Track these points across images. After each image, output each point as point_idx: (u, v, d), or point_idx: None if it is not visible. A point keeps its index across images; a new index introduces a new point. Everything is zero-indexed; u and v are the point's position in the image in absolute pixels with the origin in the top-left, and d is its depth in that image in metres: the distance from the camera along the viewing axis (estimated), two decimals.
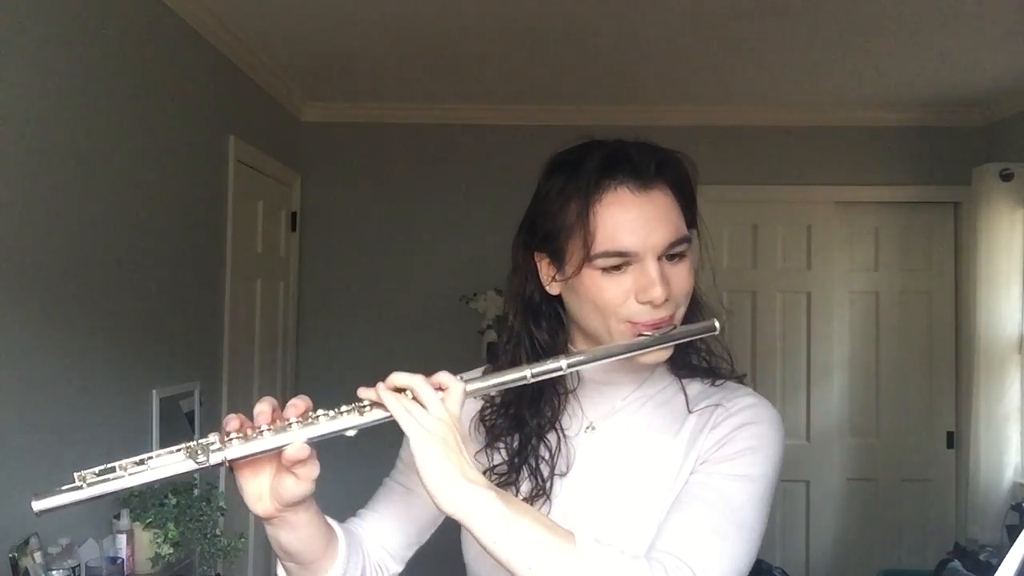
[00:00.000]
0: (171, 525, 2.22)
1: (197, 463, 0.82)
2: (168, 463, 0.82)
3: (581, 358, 0.93)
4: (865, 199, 4.16)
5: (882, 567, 4.02)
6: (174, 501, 2.27)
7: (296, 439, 0.83)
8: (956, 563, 3.45)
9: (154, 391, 2.58)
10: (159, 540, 2.21)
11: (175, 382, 2.74)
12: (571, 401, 1.07)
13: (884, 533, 4.15)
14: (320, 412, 0.85)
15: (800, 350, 4.17)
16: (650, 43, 3.17)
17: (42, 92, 2.01)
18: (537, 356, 1.02)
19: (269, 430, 0.84)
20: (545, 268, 1.03)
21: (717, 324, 0.98)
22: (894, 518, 4.15)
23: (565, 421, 1.06)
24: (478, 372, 1.12)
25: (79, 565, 1.97)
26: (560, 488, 1.03)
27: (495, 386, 0.91)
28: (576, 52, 3.28)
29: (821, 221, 4.16)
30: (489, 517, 0.84)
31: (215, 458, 0.82)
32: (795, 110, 4.03)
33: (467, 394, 0.88)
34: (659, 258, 0.96)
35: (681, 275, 0.98)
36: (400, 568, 1.09)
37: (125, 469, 0.81)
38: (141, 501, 2.25)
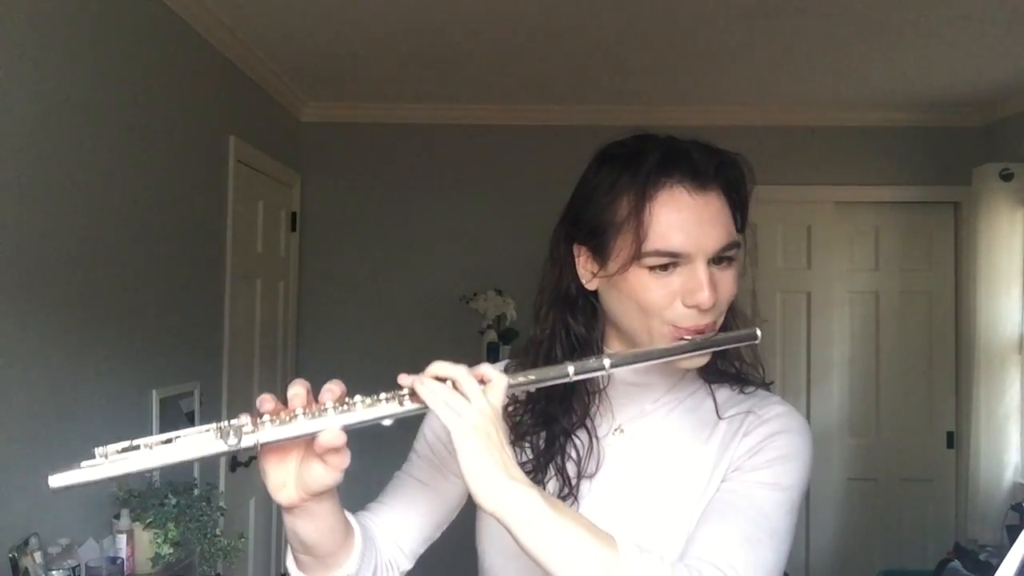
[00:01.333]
0: (171, 525, 2.22)
1: (228, 445, 0.76)
2: (197, 443, 0.76)
3: (624, 357, 0.91)
4: (865, 199, 4.16)
5: (882, 567, 4.02)
6: (174, 501, 2.27)
7: (332, 425, 0.79)
8: (956, 563, 3.45)
9: (154, 391, 2.58)
10: (159, 540, 2.21)
11: (175, 382, 2.74)
12: (601, 402, 1.04)
13: (884, 533, 4.15)
14: (357, 398, 0.81)
15: (800, 350, 4.17)
16: (650, 43, 3.17)
17: (42, 92, 2.01)
18: (572, 350, 1.00)
19: (304, 414, 0.79)
20: (584, 262, 1.00)
21: (759, 332, 0.98)
22: (894, 518, 4.15)
23: (595, 421, 1.04)
24: (501, 366, 1.10)
25: (79, 565, 1.97)
26: (588, 490, 1.01)
27: (536, 382, 0.88)
28: (576, 52, 3.28)
29: (821, 221, 4.16)
30: (531, 517, 0.81)
31: (247, 440, 0.77)
32: (795, 110, 4.03)
33: (510, 388, 0.85)
34: (709, 262, 0.94)
35: (727, 281, 0.97)
36: (411, 565, 1.07)
37: (150, 447, 0.75)
38: (141, 501, 2.25)
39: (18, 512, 1.91)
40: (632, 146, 0.99)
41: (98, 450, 0.76)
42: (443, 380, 0.83)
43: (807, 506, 4.12)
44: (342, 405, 0.80)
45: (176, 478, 2.52)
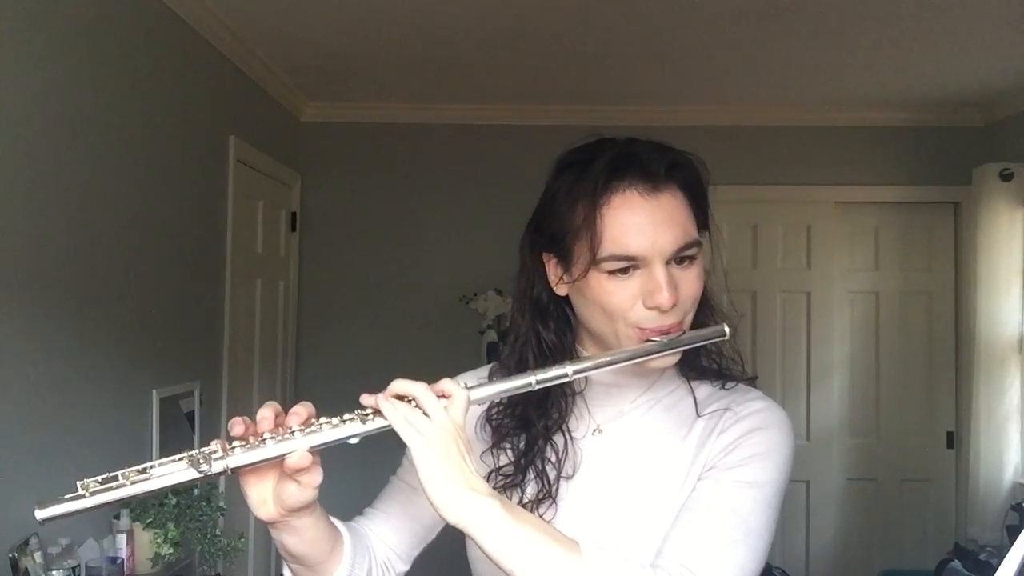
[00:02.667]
0: (171, 525, 2.22)
1: (199, 472, 0.82)
2: (170, 472, 0.82)
3: (587, 364, 0.92)
4: (865, 199, 4.16)
5: (882, 567, 4.02)
6: (174, 501, 2.27)
7: (298, 447, 0.83)
8: (956, 563, 3.45)
9: (154, 391, 2.58)
10: (159, 540, 2.21)
11: (175, 382, 2.74)
12: (578, 403, 1.05)
13: (884, 533, 4.15)
14: (323, 420, 0.85)
15: (800, 350, 4.16)
16: (650, 43, 3.17)
17: (42, 93, 2.01)
18: (544, 357, 1.01)
19: (272, 438, 0.83)
20: (553, 269, 1.01)
21: (727, 329, 0.97)
22: (894, 518, 4.15)
23: (572, 423, 1.04)
24: (484, 372, 1.11)
25: (79, 565, 1.98)
26: (566, 491, 1.02)
27: (499, 394, 0.91)
28: (576, 52, 3.28)
29: (821, 221, 4.16)
30: (492, 526, 0.83)
31: (217, 467, 0.82)
32: (795, 110, 4.03)
33: (471, 402, 0.87)
34: (668, 262, 0.94)
35: (690, 280, 0.96)
36: (406, 567, 1.08)
37: (128, 478, 0.81)
38: (141, 501, 2.25)
39: (18, 512, 1.91)
40: (587, 151, 0.99)
41: (80, 483, 0.80)
42: (404, 398, 0.85)
43: (807, 506, 4.12)
44: (308, 427, 0.84)
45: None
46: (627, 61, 3.38)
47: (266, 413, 0.85)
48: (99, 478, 0.80)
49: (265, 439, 0.83)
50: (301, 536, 0.91)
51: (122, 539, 2.18)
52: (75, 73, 2.16)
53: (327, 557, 0.95)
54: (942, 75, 3.51)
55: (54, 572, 1.87)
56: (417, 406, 0.85)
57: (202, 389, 2.94)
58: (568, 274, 0.98)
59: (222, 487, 3.03)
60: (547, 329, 1.03)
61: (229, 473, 0.83)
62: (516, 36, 3.11)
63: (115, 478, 0.81)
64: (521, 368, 1.01)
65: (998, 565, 0.68)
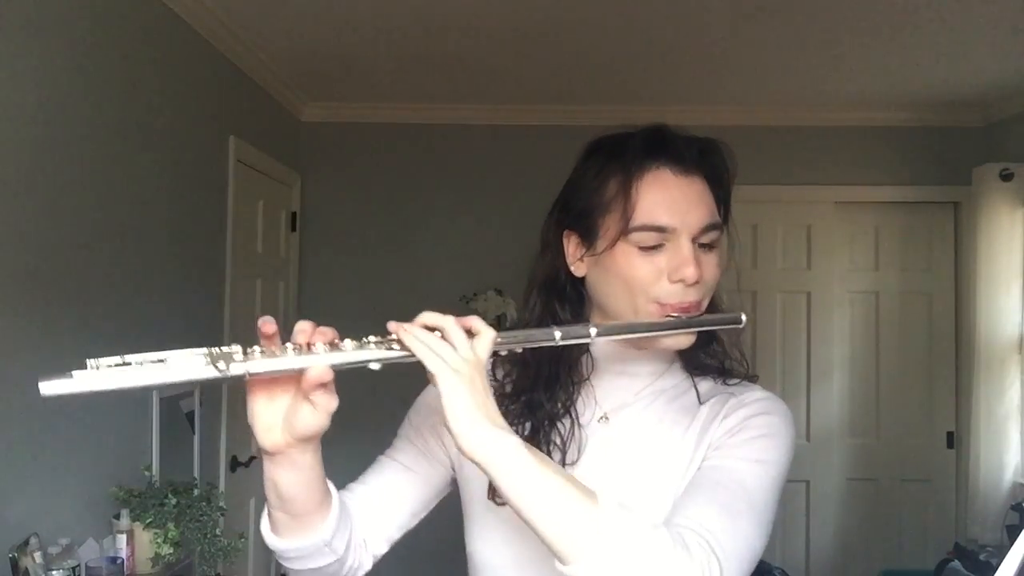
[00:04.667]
0: (171, 525, 2.22)
1: (218, 370, 0.77)
2: (188, 365, 0.77)
3: (610, 327, 0.94)
4: (865, 199, 4.16)
5: (882, 567, 4.02)
6: (174, 501, 2.27)
7: (320, 362, 0.80)
8: (956, 563, 3.45)
9: (154, 391, 2.58)
10: (159, 540, 2.21)
11: None
12: (586, 389, 1.06)
13: (884, 533, 4.15)
14: (347, 341, 0.82)
15: (800, 350, 4.17)
16: (650, 43, 3.17)
17: (41, 93, 2.01)
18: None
19: (294, 349, 0.80)
20: (573, 247, 1.03)
21: (743, 317, 1.00)
22: (894, 518, 4.15)
23: (579, 409, 1.05)
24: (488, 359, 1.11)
25: (79, 565, 1.97)
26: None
27: (524, 342, 0.91)
28: (576, 52, 3.28)
29: (821, 221, 4.16)
30: (513, 462, 0.81)
31: (236, 369, 0.78)
32: (795, 110, 4.03)
33: (496, 344, 0.86)
34: (693, 240, 0.97)
35: (710, 264, 0.99)
36: (385, 549, 1.06)
37: (141, 364, 0.75)
38: (141, 501, 2.25)
39: (18, 512, 1.91)
40: (618, 137, 1.03)
41: (90, 361, 0.75)
42: (432, 329, 0.85)
43: (807, 506, 4.12)
44: (331, 347, 0.81)
45: (176, 478, 2.52)
46: (627, 61, 3.38)
47: (304, 326, 0.82)
48: (111, 360, 0.75)
49: (287, 348, 0.80)
50: (298, 475, 0.88)
51: (122, 539, 2.18)
52: (75, 73, 2.15)
53: (316, 508, 0.92)
54: (942, 75, 3.52)
55: (54, 572, 1.87)
56: (444, 338, 0.84)
57: (202, 389, 2.94)
58: (593, 248, 1.00)
59: (222, 487, 3.03)
60: (563, 309, 1.04)
61: (247, 378, 0.79)
62: (516, 36, 3.11)
63: (128, 363, 0.76)
64: (538, 349, 1.01)
65: (998, 565, 0.68)
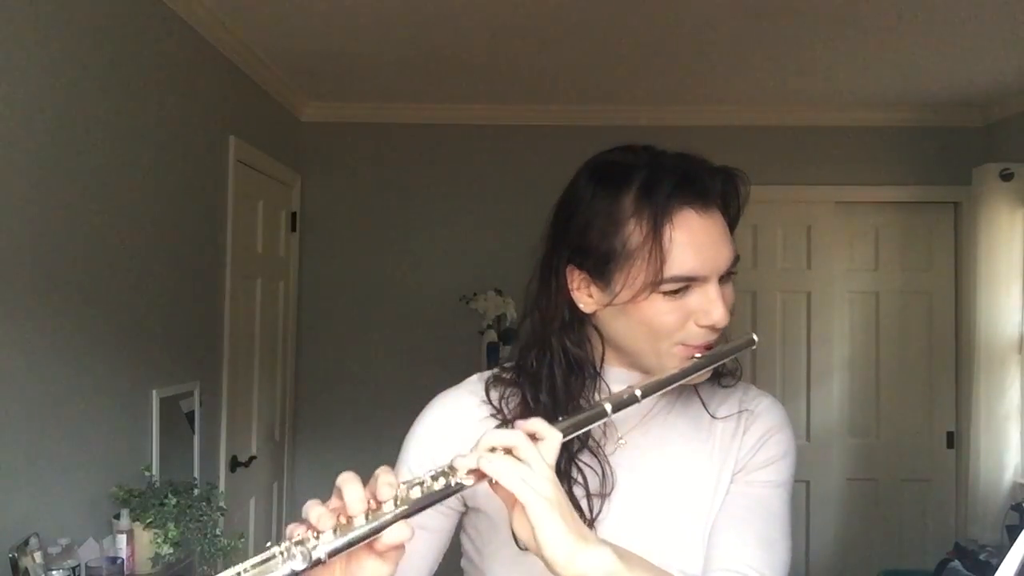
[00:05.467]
0: (171, 525, 2.22)
1: (300, 563, 0.72)
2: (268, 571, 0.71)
3: (651, 384, 0.89)
4: (865, 199, 4.16)
5: (882, 567, 4.01)
6: (174, 501, 2.27)
7: (393, 522, 0.75)
8: (956, 563, 3.45)
9: (154, 391, 2.58)
10: (159, 540, 2.21)
11: (175, 382, 2.74)
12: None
13: (884, 533, 4.15)
14: (416, 486, 0.77)
15: (800, 350, 4.16)
16: (650, 43, 3.17)
17: (41, 93, 2.01)
18: (571, 372, 0.99)
19: (365, 518, 0.75)
20: (580, 285, 0.97)
21: (756, 337, 0.98)
22: (894, 518, 4.15)
23: (598, 440, 1.01)
24: (476, 386, 1.06)
25: (79, 565, 1.97)
26: (606, 510, 0.99)
27: (582, 427, 0.85)
28: (576, 52, 3.28)
29: (821, 221, 4.16)
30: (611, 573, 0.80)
31: (318, 553, 0.73)
32: (795, 110, 4.03)
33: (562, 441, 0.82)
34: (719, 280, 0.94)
35: (730, 294, 0.96)
36: None
37: None
38: (141, 501, 2.25)
39: (18, 512, 1.91)
40: (623, 162, 0.96)
41: None
42: (498, 450, 0.79)
43: (807, 506, 4.12)
44: (397, 500, 0.76)
45: (176, 478, 2.52)
46: (627, 61, 3.38)
47: (356, 494, 0.75)
48: None
49: (358, 522, 0.75)
50: None
51: (122, 539, 2.17)
52: (75, 73, 2.15)
53: None
54: (942, 75, 3.51)
55: (54, 572, 1.87)
56: (514, 455, 0.78)
57: (202, 389, 2.94)
58: (608, 294, 0.94)
59: (222, 487, 3.03)
60: (572, 343, 0.99)
61: (325, 560, 0.73)
62: (516, 36, 3.11)
63: None
64: (551, 385, 0.98)
65: (998, 565, 0.68)
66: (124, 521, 2.19)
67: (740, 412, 1.03)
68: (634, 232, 0.92)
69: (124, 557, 2.15)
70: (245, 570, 0.70)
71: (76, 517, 2.15)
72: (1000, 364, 3.67)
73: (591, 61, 3.39)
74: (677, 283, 0.91)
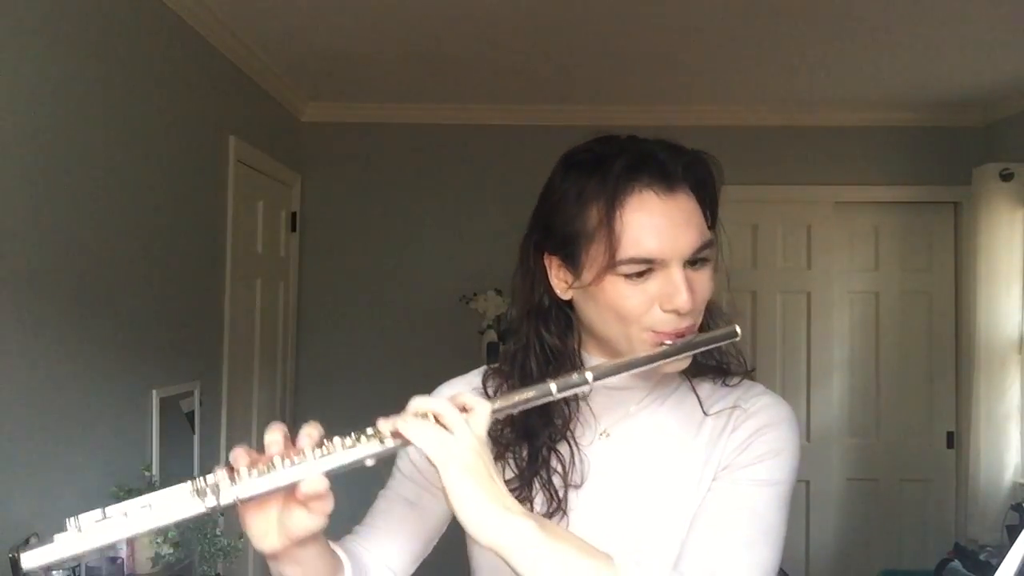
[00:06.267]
0: (171, 525, 2.22)
1: (207, 506, 0.74)
2: (174, 505, 0.75)
3: (606, 369, 0.89)
4: (865, 199, 4.16)
5: (882, 567, 4.02)
6: None
7: (313, 472, 0.77)
8: (956, 563, 3.45)
9: (154, 391, 2.58)
10: (159, 540, 2.21)
11: (175, 382, 2.74)
12: (583, 409, 1.02)
13: (884, 533, 4.15)
14: (336, 440, 0.79)
15: (800, 350, 4.17)
16: (650, 43, 3.17)
17: (42, 93, 2.01)
18: (547, 362, 0.99)
19: (283, 462, 0.77)
20: (557, 272, 0.98)
21: (738, 330, 0.96)
22: (894, 518, 4.15)
23: (577, 431, 1.01)
24: (476, 378, 1.08)
25: (79, 565, 1.97)
26: (576, 500, 0.99)
27: (520, 404, 0.86)
28: (576, 52, 3.28)
29: (821, 221, 4.16)
30: (528, 548, 0.80)
31: (226, 498, 0.75)
32: (795, 110, 4.03)
33: (492, 414, 0.83)
34: (684, 264, 0.92)
35: (703, 281, 0.94)
36: None
37: (125, 514, 0.73)
38: None
39: (18, 512, 1.91)
40: (596, 150, 0.96)
41: (70, 521, 0.73)
42: (424, 415, 0.81)
43: (807, 506, 4.12)
44: (321, 448, 0.78)
45: (176, 478, 2.52)
46: (628, 61, 3.38)
47: (275, 436, 0.80)
48: (94, 514, 0.73)
49: (275, 464, 0.77)
50: (304, 568, 0.87)
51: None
52: (75, 73, 2.15)
53: None
54: (942, 75, 3.51)
55: (54, 572, 1.87)
56: (439, 423, 0.80)
57: (202, 389, 2.94)
58: (578, 278, 0.95)
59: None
60: (549, 333, 1.00)
61: (239, 503, 0.77)
62: (516, 36, 3.11)
63: (109, 516, 0.73)
64: (525, 374, 0.99)
65: (998, 565, 0.68)
66: None
67: (733, 409, 0.98)
68: (593, 214, 0.92)
69: (124, 557, 2.15)
70: (152, 502, 0.73)
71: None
72: (1000, 364, 3.67)
73: (591, 61, 3.39)
74: (635, 265, 0.91)
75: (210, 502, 0.75)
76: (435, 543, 1.08)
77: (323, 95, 4.00)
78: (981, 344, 3.69)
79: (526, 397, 0.86)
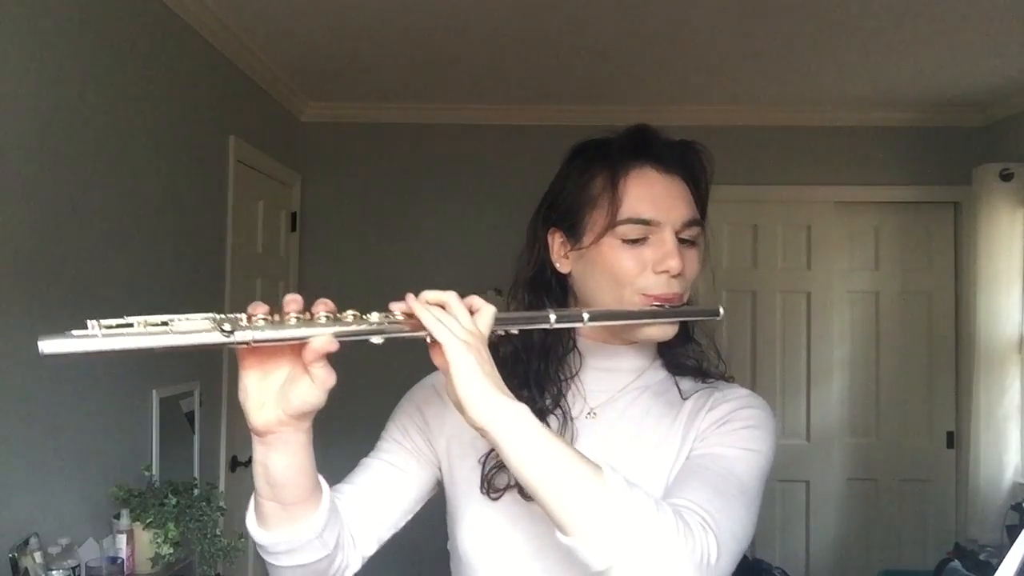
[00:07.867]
0: (171, 525, 2.22)
1: (223, 334, 0.76)
2: (192, 329, 0.76)
3: (601, 312, 0.99)
4: (865, 199, 4.16)
5: (882, 567, 4.02)
6: (174, 501, 2.27)
7: (324, 332, 0.79)
8: (956, 563, 3.45)
9: (154, 391, 2.58)
10: (159, 540, 2.21)
11: (175, 382, 2.74)
12: (574, 384, 1.08)
13: (884, 533, 4.15)
14: (349, 313, 0.82)
15: (800, 350, 4.16)
16: (650, 43, 3.17)
17: (42, 93, 2.01)
18: (545, 331, 1.04)
19: (298, 319, 0.79)
20: (558, 244, 1.07)
21: (722, 310, 1.05)
22: (894, 518, 4.15)
23: (568, 403, 1.06)
24: None
25: (79, 565, 1.98)
26: None
27: (520, 322, 0.94)
28: (576, 52, 3.28)
29: (821, 221, 4.16)
30: (522, 431, 0.82)
31: (241, 335, 0.77)
32: (795, 110, 4.03)
33: (496, 321, 0.88)
34: (676, 235, 1.01)
35: (692, 259, 1.03)
36: (374, 549, 1.04)
37: (143, 326, 0.74)
38: (141, 501, 2.25)
39: (18, 512, 1.91)
40: (602, 140, 1.08)
41: (90, 322, 0.73)
42: (436, 304, 0.86)
43: (807, 506, 4.12)
44: (334, 318, 0.81)
45: (176, 478, 2.52)
46: (628, 61, 3.38)
47: (293, 297, 0.82)
48: (112, 321, 0.73)
49: (291, 319, 0.79)
50: (290, 457, 0.87)
51: (122, 539, 2.18)
52: (75, 73, 2.15)
53: (307, 496, 0.90)
54: (942, 75, 3.52)
55: (54, 572, 1.87)
56: (447, 312, 0.85)
57: (202, 389, 2.95)
58: (579, 243, 1.04)
59: (222, 486, 3.03)
60: (549, 304, 1.05)
61: (252, 344, 0.77)
62: (516, 36, 3.11)
63: (130, 324, 0.74)
64: (525, 342, 1.05)
65: (998, 565, 0.68)
66: (124, 521, 2.19)
67: (712, 392, 1.05)
68: (598, 182, 1.04)
69: (124, 557, 2.15)
70: (174, 319, 0.76)
71: (76, 517, 2.15)
72: (1000, 364, 3.67)
73: (592, 61, 3.39)
74: (632, 225, 1.00)
75: (226, 332, 0.76)
76: (410, 516, 1.09)
77: (323, 95, 4.00)
78: (981, 344, 3.69)
79: (527, 316, 0.96)
